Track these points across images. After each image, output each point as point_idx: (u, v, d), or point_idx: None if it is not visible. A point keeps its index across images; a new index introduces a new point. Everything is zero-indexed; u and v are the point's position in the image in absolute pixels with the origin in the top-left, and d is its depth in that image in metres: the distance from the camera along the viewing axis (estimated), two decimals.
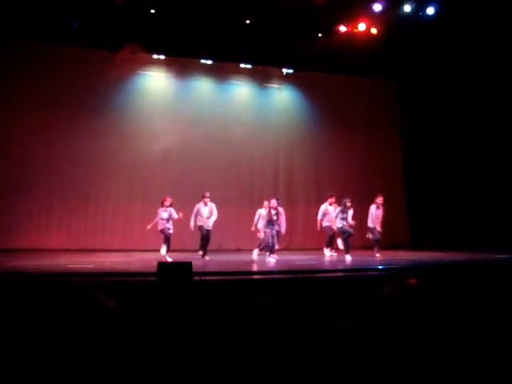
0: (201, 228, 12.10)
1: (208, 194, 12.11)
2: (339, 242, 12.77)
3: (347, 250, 12.02)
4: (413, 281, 1.29)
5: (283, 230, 12.27)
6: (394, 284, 1.29)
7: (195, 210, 12.10)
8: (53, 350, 1.33)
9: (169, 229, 11.48)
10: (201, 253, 12.05)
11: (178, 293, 6.01)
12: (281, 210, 12.18)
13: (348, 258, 11.73)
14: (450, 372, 1.30)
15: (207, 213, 12.04)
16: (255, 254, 11.82)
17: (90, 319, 1.42)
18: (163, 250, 11.37)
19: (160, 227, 11.48)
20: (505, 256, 11.14)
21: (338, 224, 12.30)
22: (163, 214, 11.51)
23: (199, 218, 12.07)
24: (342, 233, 12.37)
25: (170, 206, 11.58)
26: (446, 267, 9.79)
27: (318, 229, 13.19)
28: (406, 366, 1.30)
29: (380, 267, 9.73)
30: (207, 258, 11.89)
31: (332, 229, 12.80)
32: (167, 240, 11.46)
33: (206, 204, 12.05)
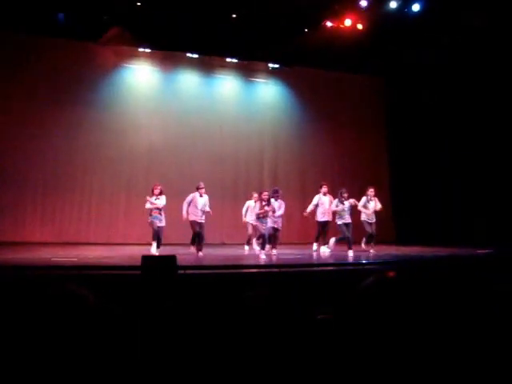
0: (193, 223, 11.18)
1: (202, 185, 11.36)
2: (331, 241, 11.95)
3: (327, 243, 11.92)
4: (391, 274, 1.32)
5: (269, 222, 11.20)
6: (372, 277, 1.32)
7: (189, 199, 11.22)
8: (36, 344, 1.33)
9: (160, 221, 10.84)
10: (192, 249, 11.13)
11: (162, 286, 6.01)
12: (277, 202, 11.59)
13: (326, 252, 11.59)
14: (429, 363, 1.33)
15: (202, 204, 11.22)
16: (255, 248, 11.50)
17: (72, 313, 1.43)
18: (154, 247, 10.67)
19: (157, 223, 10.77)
20: (486, 251, 11.30)
21: (338, 220, 11.61)
22: (157, 202, 10.80)
23: (193, 209, 11.16)
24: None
25: (161, 193, 10.91)
26: (428, 262, 9.90)
27: (316, 218, 12.22)
28: (384, 357, 1.33)
29: (364, 262, 9.79)
30: (201, 253, 11.02)
31: (324, 222, 12.01)
32: (158, 234, 10.79)
33: (201, 195, 11.26)
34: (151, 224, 10.90)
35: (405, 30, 14.25)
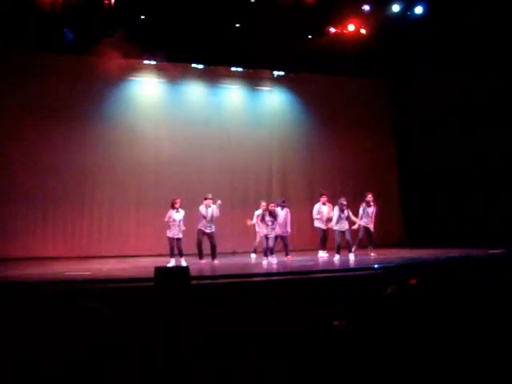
0: (198, 232, 11.64)
1: (210, 196, 11.78)
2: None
3: (350, 248, 12.18)
4: (413, 281, 1.32)
5: (278, 231, 11.96)
6: (395, 285, 1.32)
7: (203, 207, 11.69)
8: (49, 356, 1.35)
9: (179, 232, 11.29)
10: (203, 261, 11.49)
11: (175, 297, 6.02)
12: (283, 211, 12.07)
13: (351, 256, 12.02)
14: (450, 371, 1.33)
15: (210, 215, 11.63)
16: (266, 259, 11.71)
17: (87, 325, 1.45)
18: (180, 260, 11.11)
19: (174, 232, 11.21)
20: (499, 251, 11.25)
21: (336, 226, 12.22)
22: (176, 215, 11.24)
23: (202, 219, 11.64)
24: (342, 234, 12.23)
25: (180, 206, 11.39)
26: (443, 265, 9.85)
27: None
28: (405, 365, 1.33)
29: (376, 266, 9.77)
30: (216, 261, 11.56)
31: (323, 229, 12.78)
32: (176, 246, 11.20)
33: (208, 206, 11.64)
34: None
35: (408, 32, 14.24)
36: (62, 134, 14.30)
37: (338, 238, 12.15)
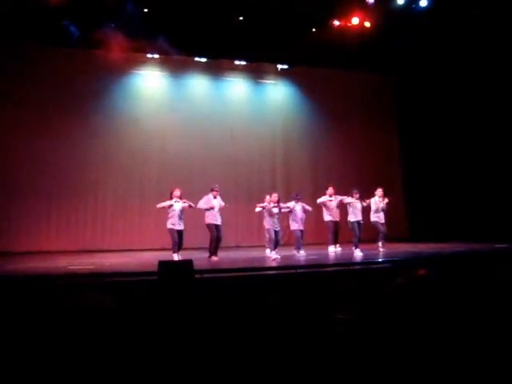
0: (210, 226, 10.85)
1: (217, 187, 11.12)
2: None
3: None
4: (422, 272, 1.28)
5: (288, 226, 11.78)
6: (404, 275, 1.28)
7: (205, 200, 10.95)
8: (53, 350, 1.32)
9: (180, 224, 10.55)
10: (208, 255, 10.67)
11: (179, 291, 5.99)
12: (293, 204, 11.75)
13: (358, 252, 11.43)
14: (456, 366, 1.30)
15: (217, 206, 10.97)
16: (268, 252, 11.34)
17: (91, 319, 1.41)
18: (176, 255, 10.34)
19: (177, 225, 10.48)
20: (504, 245, 11.20)
21: (352, 218, 11.87)
22: (176, 205, 10.57)
23: (210, 212, 10.86)
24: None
25: (180, 197, 10.70)
26: (449, 258, 9.80)
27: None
28: (414, 357, 1.30)
29: (381, 260, 9.72)
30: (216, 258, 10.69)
31: (334, 222, 12.25)
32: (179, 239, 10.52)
33: (215, 197, 10.99)
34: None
35: (413, 26, 14.12)
36: (65, 128, 14.32)
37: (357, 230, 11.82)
